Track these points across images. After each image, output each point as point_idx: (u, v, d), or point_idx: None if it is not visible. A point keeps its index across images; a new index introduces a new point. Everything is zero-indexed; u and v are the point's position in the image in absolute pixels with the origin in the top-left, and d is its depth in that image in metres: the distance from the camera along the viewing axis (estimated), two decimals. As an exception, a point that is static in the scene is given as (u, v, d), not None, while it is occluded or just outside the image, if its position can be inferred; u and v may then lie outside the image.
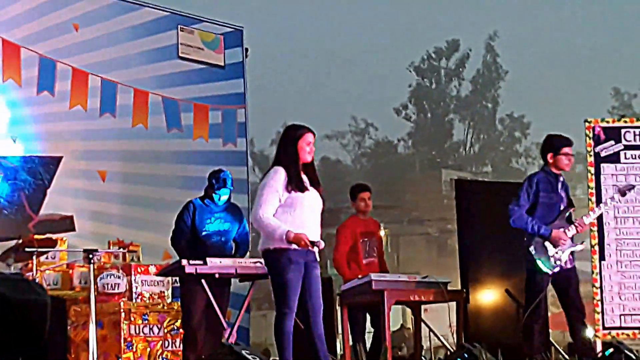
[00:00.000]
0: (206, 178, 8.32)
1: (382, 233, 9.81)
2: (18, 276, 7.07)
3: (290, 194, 6.57)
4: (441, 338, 9.53)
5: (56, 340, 4.55)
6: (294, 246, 6.50)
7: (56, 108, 10.65)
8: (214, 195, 8.10)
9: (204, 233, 8.04)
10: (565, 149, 8.12)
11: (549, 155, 8.13)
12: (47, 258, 9.20)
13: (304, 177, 6.68)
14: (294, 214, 6.57)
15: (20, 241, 8.64)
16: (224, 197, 8.13)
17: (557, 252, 7.98)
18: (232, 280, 8.08)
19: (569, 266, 8.10)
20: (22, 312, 4.09)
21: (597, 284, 9.62)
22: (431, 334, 9.54)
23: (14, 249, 8.53)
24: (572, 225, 8.07)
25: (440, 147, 45.85)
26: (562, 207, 8.12)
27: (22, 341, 3.97)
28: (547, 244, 7.96)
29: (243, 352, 4.36)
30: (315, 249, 6.60)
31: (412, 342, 13.20)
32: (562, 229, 7.98)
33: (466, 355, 4.76)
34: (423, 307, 8.95)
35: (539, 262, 7.93)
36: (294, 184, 6.57)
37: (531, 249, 7.94)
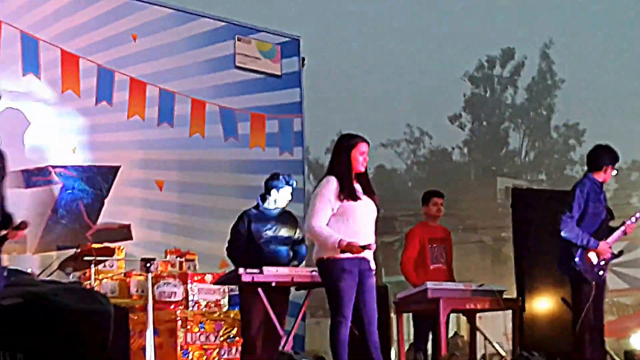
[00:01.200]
0: (261, 187, 8.34)
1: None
2: (81, 286, 7.13)
3: (342, 202, 6.59)
4: (496, 345, 9.48)
5: (119, 349, 4.57)
6: (348, 255, 6.52)
7: (114, 118, 10.74)
8: (268, 196, 8.08)
9: (261, 240, 8.05)
10: (615, 164, 8.06)
11: (603, 166, 8.01)
12: (104, 267, 9.28)
13: (357, 186, 6.69)
14: (347, 223, 6.59)
15: (79, 250, 8.73)
16: (284, 196, 8.11)
17: (600, 263, 7.88)
18: (291, 288, 8.09)
19: (605, 276, 8.01)
20: (87, 321, 4.11)
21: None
22: (486, 341, 9.49)
23: (72, 257, 8.62)
24: (620, 229, 7.97)
25: (495, 155, 45.54)
26: (604, 217, 8.01)
27: (87, 351, 3.99)
28: (591, 254, 7.86)
29: (298, 358, 4.36)
30: (369, 253, 6.60)
31: (466, 349, 13.14)
32: (604, 239, 7.89)
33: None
34: (478, 314, 8.91)
35: (584, 273, 7.82)
36: (346, 193, 6.58)
37: (577, 260, 7.83)
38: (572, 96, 45.99)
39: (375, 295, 6.74)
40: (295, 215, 8.46)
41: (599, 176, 8.04)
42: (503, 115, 46.32)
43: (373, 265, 6.71)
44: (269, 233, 8.09)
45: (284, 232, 8.18)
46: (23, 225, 6.06)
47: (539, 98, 46.09)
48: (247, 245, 8.08)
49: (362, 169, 6.76)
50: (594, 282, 7.85)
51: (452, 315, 9.33)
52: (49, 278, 8.16)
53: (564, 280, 8.96)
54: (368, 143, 6.81)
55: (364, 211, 6.69)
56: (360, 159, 6.71)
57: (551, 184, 42.13)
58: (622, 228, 8.01)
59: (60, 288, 4.41)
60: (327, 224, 6.58)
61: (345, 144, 6.77)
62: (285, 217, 8.23)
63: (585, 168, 8.25)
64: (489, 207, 37.08)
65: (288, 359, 4.30)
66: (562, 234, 7.80)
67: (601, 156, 8.10)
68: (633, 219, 8.06)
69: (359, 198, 6.64)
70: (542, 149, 45.34)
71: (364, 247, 6.53)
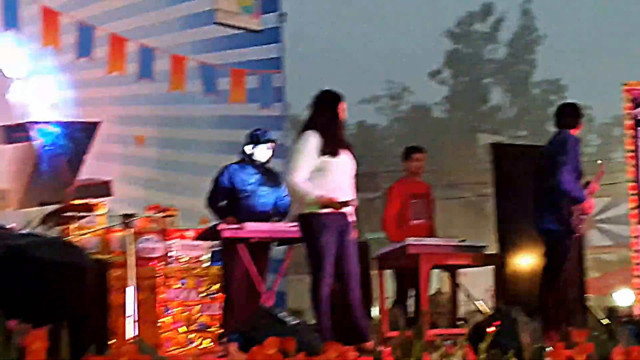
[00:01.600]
0: (242, 143, 8.32)
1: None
2: (58, 239, 7.13)
3: (323, 157, 6.57)
4: (478, 302, 9.52)
5: (98, 302, 4.54)
6: (328, 210, 6.51)
7: (94, 73, 10.71)
8: (252, 153, 8.07)
9: (243, 195, 8.02)
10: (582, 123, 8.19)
11: (578, 123, 8.11)
12: (86, 223, 9.26)
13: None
14: (327, 178, 6.57)
15: (60, 206, 8.70)
16: (264, 154, 8.09)
17: (580, 217, 7.95)
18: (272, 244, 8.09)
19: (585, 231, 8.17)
20: (65, 274, 4.09)
21: (636, 248, 9.57)
22: (468, 298, 9.53)
23: (54, 213, 8.60)
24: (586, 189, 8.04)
25: (476, 111, 45.53)
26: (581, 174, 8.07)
27: (65, 304, 3.97)
28: (574, 208, 7.89)
29: (280, 314, 4.38)
30: (349, 209, 6.60)
31: (448, 307, 13.20)
32: None
33: (504, 318, 4.74)
34: (460, 272, 8.93)
35: (572, 225, 7.89)
36: (333, 147, 6.56)
37: (563, 212, 7.86)
38: (553, 52, 45.89)
39: (357, 251, 6.75)
40: (276, 171, 8.44)
41: (575, 133, 8.09)
42: (484, 70, 46.24)
43: (354, 219, 6.70)
44: (251, 188, 8.07)
45: (265, 187, 8.15)
46: None
47: (520, 54, 46.00)
48: (228, 200, 8.06)
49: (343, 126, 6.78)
50: (576, 236, 7.96)
51: (435, 273, 9.37)
52: (28, 232, 8.13)
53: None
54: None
55: (344, 166, 6.67)
56: (343, 114, 6.71)
57: (532, 140, 42.17)
58: (588, 189, 8.07)
59: (38, 241, 4.38)
60: (309, 179, 6.57)
61: (330, 99, 6.76)
62: (267, 173, 8.21)
63: None
64: (470, 163, 37.11)
65: (267, 314, 4.30)
66: (563, 185, 7.77)
67: (573, 112, 8.22)
68: (595, 179, 8.14)
69: (338, 152, 6.63)
70: (523, 105, 45.31)
71: (345, 203, 6.51)
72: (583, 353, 4.37)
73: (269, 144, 8.11)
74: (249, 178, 8.09)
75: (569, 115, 8.22)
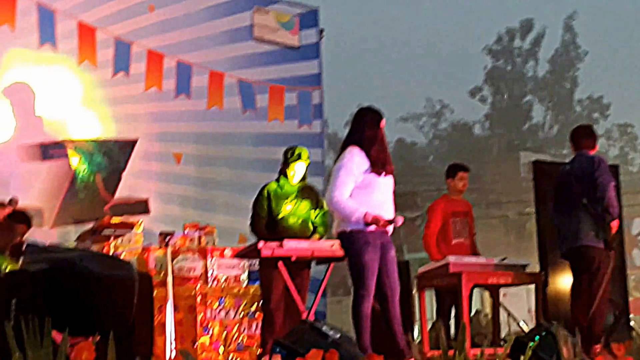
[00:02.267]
0: (280, 160, 8.22)
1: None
2: (105, 253, 7.09)
3: (366, 175, 6.48)
4: (520, 322, 9.34)
5: (143, 315, 4.54)
6: (371, 228, 6.43)
7: (131, 90, 10.69)
8: (288, 170, 7.96)
9: (281, 216, 7.92)
10: None
11: (596, 144, 8.34)
12: (122, 241, 9.18)
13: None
14: (370, 196, 6.50)
15: (96, 224, 8.62)
16: (300, 172, 7.98)
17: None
18: (312, 264, 7.97)
19: None
20: (112, 287, 4.11)
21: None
22: (509, 318, 9.35)
23: (90, 231, 8.54)
24: None
25: (518, 129, 45.29)
26: None
27: (112, 316, 3.98)
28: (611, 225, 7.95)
29: (323, 327, 4.26)
30: (391, 228, 6.51)
31: (489, 327, 12.99)
32: None
33: (544, 333, 4.64)
34: (502, 292, 8.77)
35: (611, 243, 7.92)
36: (376, 165, 6.46)
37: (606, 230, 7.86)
38: (595, 68, 45.58)
39: (396, 269, 6.65)
40: (315, 189, 8.31)
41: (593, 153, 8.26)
42: (525, 88, 46.03)
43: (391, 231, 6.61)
44: (289, 207, 7.96)
45: (303, 206, 8.04)
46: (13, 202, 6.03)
47: (561, 70, 45.74)
48: (269, 220, 7.96)
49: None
50: (612, 252, 7.97)
51: (476, 294, 9.23)
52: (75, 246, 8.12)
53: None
54: None
55: (386, 184, 6.60)
56: (384, 133, 6.67)
57: (574, 158, 41.96)
58: None
59: (84, 255, 4.43)
60: (350, 196, 6.46)
61: (373, 116, 6.71)
62: (305, 191, 8.09)
63: (605, 141, 8.34)
64: (512, 181, 36.87)
65: (310, 327, 4.20)
66: (611, 202, 7.86)
67: (593, 135, 8.37)
68: None
69: (382, 172, 6.55)
70: (565, 123, 45.00)
71: (391, 221, 6.42)
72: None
73: (303, 162, 7.99)
74: (287, 197, 7.98)
75: (589, 136, 8.35)
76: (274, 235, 7.72)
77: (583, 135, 8.35)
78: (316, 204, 8.13)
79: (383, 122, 6.70)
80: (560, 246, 8.25)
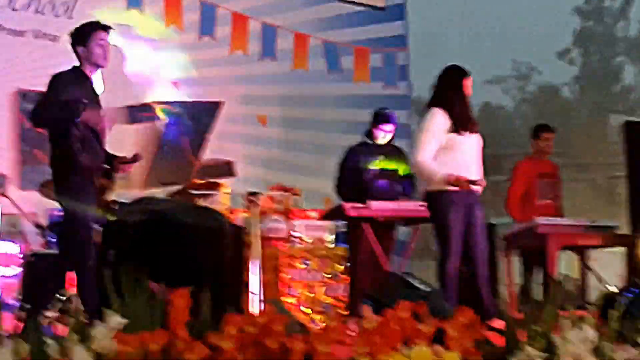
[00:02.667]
0: (367, 122, 8.19)
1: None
2: (197, 205, 7.19)
3: (449, 135, 6.42)
4: (609, 286, 9.19)
5: (235, 266, 4.62)
6: (455, 188, 6.36)
7: (217, 53, 10.73)
8: (376, 132, 7.91)
9: (368, 177, 7.88)
10: None
11: None
12: (209, 203, 9.25)
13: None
14: (454, 156, 6.43)
15: (184, 186, 8.70)
16: (388, 134, 7.94)
17: None
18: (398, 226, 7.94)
19: None
20: (205, 237, 4.18)
21: None
22: (599, 283, 9.20)
23: (179, 192, 8.61)
24: None
25: (607, 91, 44.48)
26: None
27: (206, 266, 4.05)
28: None
29: (413, 281, 4.25)
30: (479, 188, 6.43)
31: (576, 292, 12.79)
32: None
33: (637, 290, 4.55)
34: (591, 257, 8.64)
35: None
36: (460, 125, 6.39)
37: None
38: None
39: (485, 230, 6.56)
40: (402, 150, 8.26)
41: None
42: (616, 49, 45.15)
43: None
44: (376, 168, 7.92)
45: (390, 166, 8.00)
46: (137, 157, 6.18)
47: (654, 30, 44.68)
48: (354, 181, 7.94)
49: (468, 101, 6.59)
50: None
51: (564, 259, 9.10)
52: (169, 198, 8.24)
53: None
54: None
55: (471, 145, 6.52)
56: (468, 90, 6.53)
57: (666, 121, 41.10)
58: None
59: (178, 206, 4.51)
60: (435, 157, 6.40)
61: (455, 74, 6.61)
62: (392, 152, 8.05)
63: None
64: (601, 145, 36.20)
65: (400, 280, 4.20)
66: None
67: None
68: None
69: (468, 130, 6.46)
70: (657, 85, 44.06)
71: (473, 182, 6.35)
72: None
73: (391, 124, 7.94)
74: (374, 158, 7.94)
75: None
76: (360, 197, 7.70)
77: None
78: (403, 166, 8.09)
79: (468, 80, 6.60)
80: None
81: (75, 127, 5.98)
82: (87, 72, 6.22)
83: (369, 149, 7.98)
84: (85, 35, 6.18)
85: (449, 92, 6.56)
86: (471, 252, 6.46)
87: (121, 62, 10.07)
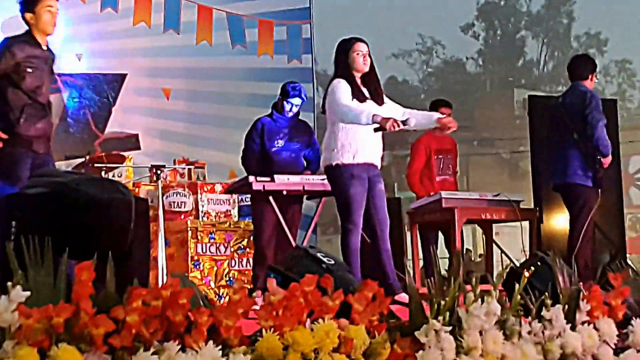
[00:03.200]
0: (271, 95, 8.17)
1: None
2: (100, 177, 7.11)
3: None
4: (513, 259, 9.32)
5: (140, 239, 4.55)
6: (357, 161, 6.38)
7: (120, 24, 10.60)
8: (285, 104, 7.87)
9: (273, 149, 7.85)
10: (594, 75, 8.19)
11: (592, 75, 8.12)
12: (113, 176, 9.15)
13: (363, 89, 6.49)
14: (354, 128, 6.39)
15: (88, 159, 8.58)
16: (295, 107, 7.91)
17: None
18: (304, 200, 7.93)
19: None
20: (109, 210, 4.12)
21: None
22: (503, 258, 9.32)
23: (82, 165, 8.50)
24: None
25: (512, 65, 45.05)
26: None
27: (110, 239, 3.99)
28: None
29: (318, 254, 4.24)
30: (376, 158, 6.47)
31: (481, 265, 12.99)
32: None
33: (539, 263, 4.62)
34: (494, 231, 8.75)
35: (600, 181, 7.90)
36: (354, 95, 6.38)
37: (597, 167, 7.85)
38: (592, 3, 45.18)
39: (385, 203, 6.58)
40: (308, 124, 8.24)
41: (590, 85, 8.09)
42: (519, 23, 45.70)
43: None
44: (282, 142, 7.89)
45: (296, 140, 7.97)
46: None
47: (557, 5, 45.34)
48: (261, 155, 7.89)
49: (365, 69, 6.52)
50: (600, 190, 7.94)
51: (467, 234, 9.18)
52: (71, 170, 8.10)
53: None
54: (366, 43, 6.58)
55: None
56: (361, 60, 6.48)
57: (570, 95, 41.84)
58: None
59: (82, 178, 4.43)
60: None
61: (343, 46, 6.58)
62: (298, 126, 8.02)
63: (603, 78, 8.26)
64: (506, 119, 36.75)
65: (304, 254, 4.19)
66: (602, 142, 7.78)
67: (588, 65, 8.16)
68: None
69: (365, 100, 6.43)
70: (561, 59, 44.74)
71: (404, 123, 6.29)
72: (619, 297, 4.24)
73: (300, 98, 7.91)
74: (280, 132, 7.91)
75: (584, 66, 8.17)
76: (265, 170, 7.67)
77: (578, 65, 8.19)
78: (308, 140, 8.08)
79: (358, 47, 6.50)
80: (550, 178, 8.23)
81: (15, 94, 5.88)
82: (38, 38, 6.16)
83: (276, 122, 7.93)
84: (33, 1, 6.10)
85: (340, 62, 6.53)
86: (373, 225, 6.46)
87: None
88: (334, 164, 6.44)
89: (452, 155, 9.32)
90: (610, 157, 7.92)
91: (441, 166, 9.12)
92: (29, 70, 6.02)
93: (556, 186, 8.13)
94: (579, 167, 7.86)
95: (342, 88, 6.39)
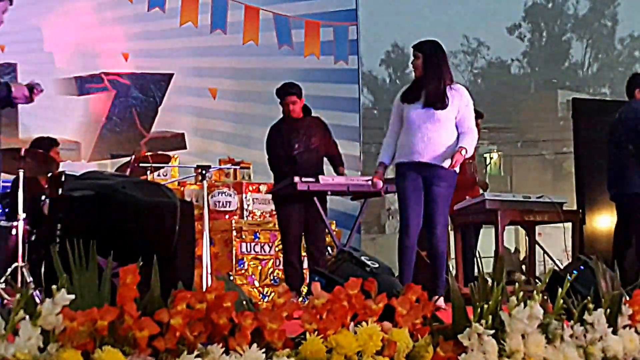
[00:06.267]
0: (317, 96, 8.16)
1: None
2: (146, 180, 7.15)
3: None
4: (555, 260, 9.28)
5: (185, 242, 4.58)
6: (404, 159, 6.32)
7: (167, 24, 10.66)
8: (285, 107, 7.81)
9: (295, 152, 7.74)
10: None
11: (637, 92, 8.01)
12: (159, 175, 9.21)
13: None
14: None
15: (133, 158, 8.63)
16: (295, 106, 7.80)
17: None
18: (342, 199, 7.90)
19: None
20: (154, 213, 4.16)
21: None
22: (545, 256, 9.28)
23: (127, 164, 8.53)
24: None
25: (557, 67, 44.79)
26: None
27: (155, 242, 4.03)
28: None
29: (362, 257, 4.26)
30: (434, 158, 6.36)
31: (522, 267, 12.92)
32: None
33: (582, 267, 4.60)
34: (537, 231, 8.70)
35: None
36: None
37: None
38: (637, 5, 44.80)
39: (442, 205, 6.47)
40: (323, 121, 8.11)
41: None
42: (565, 26, 45.43)
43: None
44: (300, 143, 7.75)
45: (314, 139, 7.84)
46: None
47: (602, 8, 45.03)
48: (284, 157, 7.78)
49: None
50: None
51: (510, 233, 9.15)
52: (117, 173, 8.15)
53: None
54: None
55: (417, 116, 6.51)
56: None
57: (615, 98, 41.51)
58: None
59: (128, 181, 4.49)
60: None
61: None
62: (312, 124, 7.88)
63: None
64: (549, 120, 36.54)
65: (348, 257, 4.20)
66: None
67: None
68: None
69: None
70: (605, 61, 44.44)
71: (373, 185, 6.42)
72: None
73: (293, 95, 7.82)
74: (296, 133, 7.78)
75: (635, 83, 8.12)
76: (291, 172, 7.56)
77: (634, 84, 8.12)
78: (326, 138, 7.95)
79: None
80: (608, 188, 8.14)
81: None
82: None
83: (289, 124, 7.83)
84: None
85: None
86: (428, 227, 6.34)
87: (69, 32, 10.02)
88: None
89: (472, 159, 9.26)
90: None
91: (470, 170, 9.07)
92: None
93: (613, 196, 8.07)
94: (636, 176, 7.81)
95: None
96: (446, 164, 6.24)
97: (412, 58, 6.56)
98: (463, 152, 6.20)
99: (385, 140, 6.53)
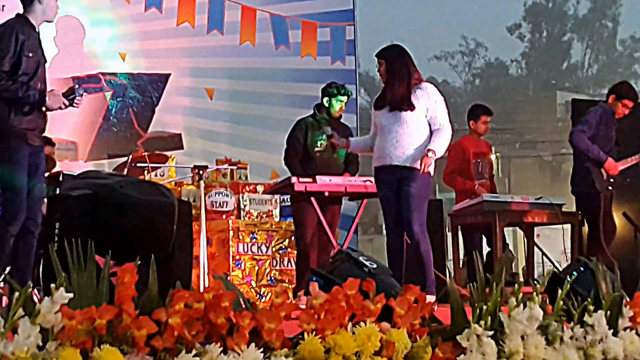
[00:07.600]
0: (314, 96, 8.18)
1: (492, 156, 9.53)
2: (144, 180, 7.15)
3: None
4: (554, 262, 9.27)
5: (183, 242, 4.59)
6: (381, 163, 6.52)
7: (164, 25, 10.65)
8: (334, 102, 7.87)
9: (316, 150, 7.85)
10: (627, 102, 8.19)
11: (612, 97, 8.21)
12: (156, 175, 9.22)
13: None
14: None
15: (131, 157, 8.64)
16: (344, 105, 7.92)
17: (609, 179, 8.09)
18: (343, 200, 7.93)
19: (613, 192, 8.27)
20: (152, 213, 4.16)
21: None
22: (543, 260, 9.28)
23: (125, 164, 8.54)
24: (634, 156, 8.23)
25: (556, 68, 44.80)
26: (613, 144, 8.21)
27: (152, 241, 4.03)
28: (602, 170, 8.06)
29: (360, 258, 4.26)
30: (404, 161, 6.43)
31: (518, 268, 12.93)
32: None
33: (582, 269, 4.60)
34: (535, 233, 8.70)
35: (596, 185, 8.02)
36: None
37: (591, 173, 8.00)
38: (638, 7, 44.83)
39: (414, 204, 6.45)
40: (347, 126, 8.22)
41: (612, 106, 8.20)
42: (565, 26, 45.44)
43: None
44: (324, 143, 7.87)
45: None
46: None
47: (603, 9, 45.05)
48: (303, 155, 7.89)
49: None
50: (602, 194, 8.03)
51: (509, 235, 9.16)
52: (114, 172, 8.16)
53: (626, 195, 8.84)
54: None
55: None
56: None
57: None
58: (637, 156, 8.23)
59: (126, 180, 4.51)
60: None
61: None
62: (339, 128, 8.00)
63: None
64: (548, 121, 36.56)
65: (346, 257, 4.20)
66: (574, 143, 8.03)
67: (616, 90, 8.31)
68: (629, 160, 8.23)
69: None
70: (605, 62, 44.48)
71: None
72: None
73: (344, 98, 7.92)
74: (321, 132, 7.88)
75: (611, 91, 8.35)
76: (307, 170, 7.68)
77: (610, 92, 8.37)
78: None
79: None
80: None
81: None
82: (34, 22, 6.02)
83: (319, 123, 7.92)
84: None
85: None
86: (405, 227, 6.45)
87: (78, 34, 10.03)
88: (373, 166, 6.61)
89: (488, 160, 9.24)
90: (610, 163, 8.03)
91: (479, 170, 9.04)
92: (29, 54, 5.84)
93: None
94: (579, 176, 8.18)
95: None
96: (418, 164, 6.37)
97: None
98: (431, 154, 6.37)
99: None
